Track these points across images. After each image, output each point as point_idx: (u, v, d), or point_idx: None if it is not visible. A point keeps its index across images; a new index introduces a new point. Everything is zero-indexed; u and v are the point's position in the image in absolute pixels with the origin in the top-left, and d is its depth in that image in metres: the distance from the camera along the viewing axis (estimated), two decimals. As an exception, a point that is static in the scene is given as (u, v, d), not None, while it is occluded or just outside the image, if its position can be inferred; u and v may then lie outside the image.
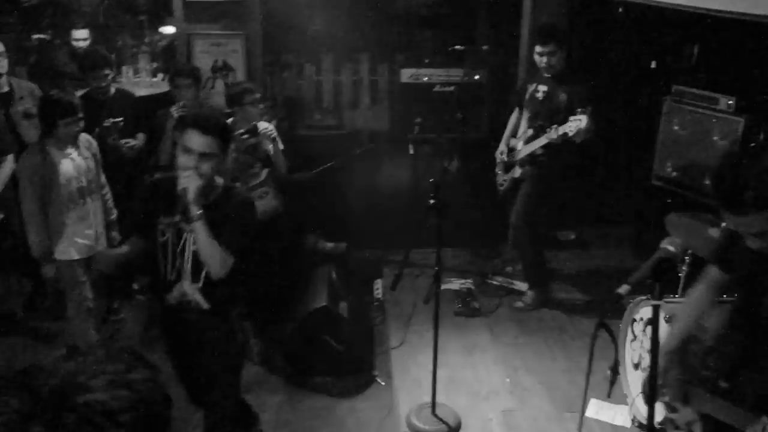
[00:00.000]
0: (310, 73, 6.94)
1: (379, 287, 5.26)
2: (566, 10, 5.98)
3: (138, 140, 5.03)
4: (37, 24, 7.81)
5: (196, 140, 2.84)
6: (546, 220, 5.74)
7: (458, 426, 4.02)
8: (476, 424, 4.07)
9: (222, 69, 5.96)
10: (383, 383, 4.41)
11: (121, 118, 4.89)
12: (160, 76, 7.25)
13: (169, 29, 7.59)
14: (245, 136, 4.35)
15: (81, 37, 6.73)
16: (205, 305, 3.03)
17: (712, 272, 2.54)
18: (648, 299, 3.74)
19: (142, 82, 6.79)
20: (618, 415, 4.04)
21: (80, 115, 3.95)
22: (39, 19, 7.89)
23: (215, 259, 2.90)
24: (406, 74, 5.97)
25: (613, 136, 6.48)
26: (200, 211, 2.84)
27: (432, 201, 3.56)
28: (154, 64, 7.29)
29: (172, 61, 7.08)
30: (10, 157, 4.62)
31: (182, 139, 2.90)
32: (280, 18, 6.45)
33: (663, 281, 2.12)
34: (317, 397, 4.26)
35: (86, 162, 4.12)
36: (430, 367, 3.96)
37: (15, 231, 5.08)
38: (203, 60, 5.89)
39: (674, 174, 5.48)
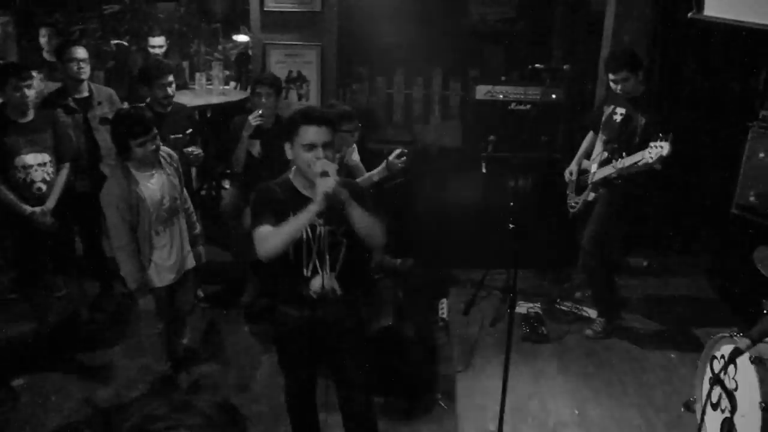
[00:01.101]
0: (382, 86, 6.91)
1: (444, 306, 5.16)
2: (649, 29, 5.80)
3: (201, 151, 5.01)
4: (116, 30, 7.99)
5: (314, 133, 2.92)
6: (618, 246, 5.56)
7: (524, 457, 3.88)
8: (543, 456, 3.93)
9: (296, 80, 5.97)
10: (446, 407, 4.30)
11: (189, 129, 4.92)
12: (232, 84, 7.32)
13: (242, 38, 7.67)
14: None
15: (157, 44, 6.84)
16: (340, 291, 3.11)
17: None
18: (729, 336, 3.57)
19: (215, 89, 6.85)
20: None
21: (155, 131, 3.76)
22: (118, 25, 8.08)
23: (376, 227, 3.02)
24: (482, 91, 5.87)
25: (693, 161, 6.25)
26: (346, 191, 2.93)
27: (511, 225, 3.46)
28: (227, 72, 7.37)
29: (245, 69, 7.15)
30: (67, 165, 4.66)
31: (299, 138, 2.95)
32: (354, 30, 6.44)
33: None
34: (378, 418, 4.16)
35: (170, 179, 3.96)
36: (496, 393, 3.83)
37: (73, 236, 5.20)
38: (278, 70, 5.90)
39: (757, 203, 5.25)
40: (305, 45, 5.92)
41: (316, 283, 3.07)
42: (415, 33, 6.72)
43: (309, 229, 3.01)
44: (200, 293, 5.28)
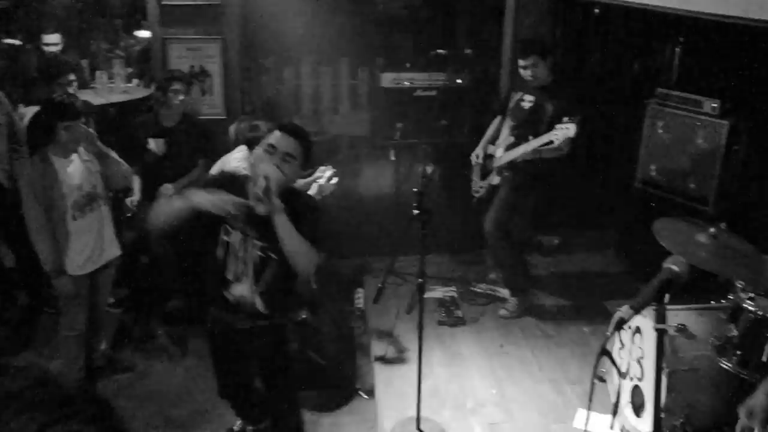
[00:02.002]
0: (290, 78, 6.82)
1: (360, 296, 5.16)
2: (549, 14, 5.92)
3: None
4: (7, 28, 7.62)
5: (280, 138, 2.92)
6: (526, 226, 5.67)
7: (444, 440, 3.93)
8: (462, 437, 3.98)
9: (199, 75, 5.83)
10: (366, 397, 4.31)
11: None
12: (135, 81, 7.10)
13: (144, 33, 7.44)
14: None
15: (52, 41, 6.56)
16: (263, 309, 3.07)
17: None
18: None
19: (116, 87, 6.62)
20: (605, 424, 3.96)
21: (83, 119, 3.82)
22: (8, 22, 7.70)
23: (302, 252, 2.90)
24: (387, 79, 5.86)
25: (597, 140, 6.43)
26: (281, 208, 2.83)
27: (416, 210, 3.47)
28: (129, 70, 7.13)
29: (148, 66, 6.94)
30: None
31: (266, 139, 2.97)
32: (258, 22, 6.32)
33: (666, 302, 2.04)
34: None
35: (87, 167, 3.96)
36: (415, 379, 3.86)
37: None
38: (179, 65, 5.75)
39: (658, 177, 5.44)
40: (206, 39, 5.78)
41: (235, 290, 3.07)
42: (322, 23, 6.65)
43: (241, 237, 3.01)
44: (110, 299, 5.11)
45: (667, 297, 2.19)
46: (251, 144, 4.17)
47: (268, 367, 3.36)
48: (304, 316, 4.22)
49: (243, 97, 6.14)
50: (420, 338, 3.74)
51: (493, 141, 5.19)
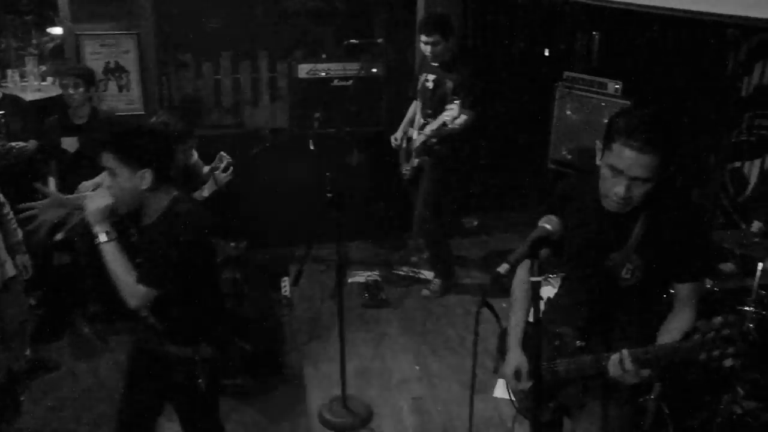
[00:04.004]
0: (209, 72, 6.81)
1: (286, 284, 5.24)
2: (460, 1, 6.10)
3: (29, 145, 4.80)
4: None
5: (103, 157, 2.63)
6: (449, 208, 5.85)
7: (370, 416, 4.06)
8: (388, 413, 4.13)
9: (115, 70, 5.79)
10: (294, 380, 4.41)
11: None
12: (50, 79, 6.97)
13: (57, 30, 7.30)
14: None
15: (-43, 40, 6.39)
16: (159, 326, 2.80)
17: None
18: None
19: (30, 86, 6.50)
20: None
21: None
22: None
23: (121, 284, 2.62)
24: (304, 70, 5.93)
25: (511, 123, 6.66)
26: (106, 235, 2.61)
27: (329, 195, 3.58)
28: (42, 68, 7.00)
29: (62, 63, 6.82)
30: None
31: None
32: (174, 16, 6.30)
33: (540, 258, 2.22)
34: (227, 400, 4.18)
35: None
36: (339, 360, 3.99)
37: None
38: (94, 61, 5.69)
39: (569, 157, 5.69)
40: (121, 34, 5.74)
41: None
42: (239, 16, 6.67)
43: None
44: (32, 301, 5.05)
45: (545, 252, 2.36)
46: None
47: (180, 401, 3.01)
48: (229, 306, 4.27)
49: (162, 93, 6.12)
50: (341, 319, 3.86)
51: (412, 124, 5.34)
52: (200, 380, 2.81)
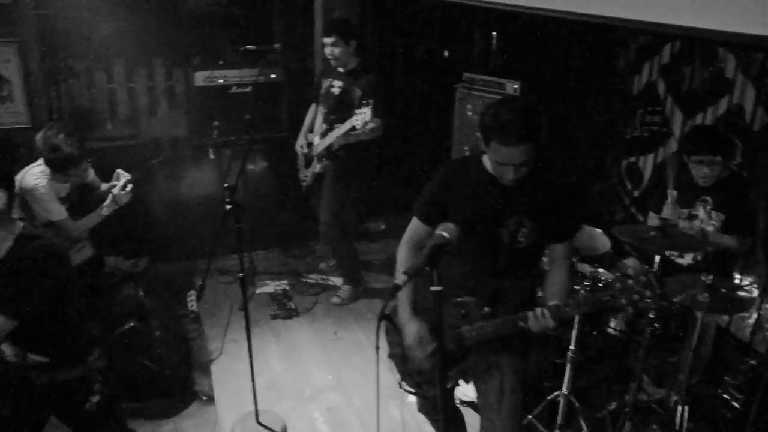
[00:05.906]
0: (102, 81, 6.54)
1: (192, 299, 5.08)
2: (358, 4, 6.08)
3: None
4: None
5: None
6: (353, 214, 5.83)
7: (284, 430, 3.98)
8: (302, 425, 4.06)
9: (-8, 81, 5.46)
10: (205, 398, 4.28)
11: None
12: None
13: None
14: None
15: None
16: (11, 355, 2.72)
17: None
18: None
19: None
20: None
21: None
22: None
23: None
24: (201, 77, 5.77)
25: (414, 124, 6.70)
26: None
27: (228, 206, 3.48)
28: None
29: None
30: None
31: None
32: (60, 23, 6.00)
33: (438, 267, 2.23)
34: (137, 422, 4.01)
35: None
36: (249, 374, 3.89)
37: None
38: (-28, 73, 5.36)
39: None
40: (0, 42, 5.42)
41: None
42: (131, 23, 6.41)
43: None
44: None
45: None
46: (52, 164, 4.00)
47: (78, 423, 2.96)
48: (132, 324, 4.11)
49: (50, 104, 5.82)
50: (248, 332, 3.76)
51: (312, 129, 5.28)
52: (92, 397, 2.82)
